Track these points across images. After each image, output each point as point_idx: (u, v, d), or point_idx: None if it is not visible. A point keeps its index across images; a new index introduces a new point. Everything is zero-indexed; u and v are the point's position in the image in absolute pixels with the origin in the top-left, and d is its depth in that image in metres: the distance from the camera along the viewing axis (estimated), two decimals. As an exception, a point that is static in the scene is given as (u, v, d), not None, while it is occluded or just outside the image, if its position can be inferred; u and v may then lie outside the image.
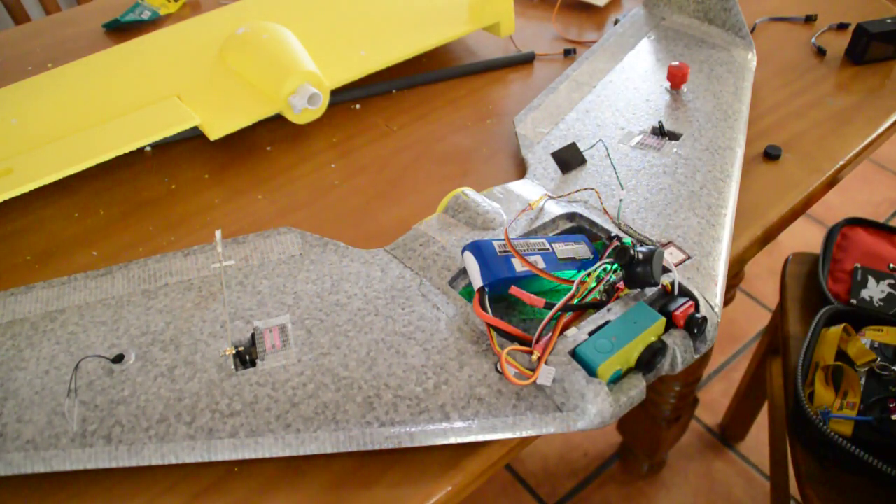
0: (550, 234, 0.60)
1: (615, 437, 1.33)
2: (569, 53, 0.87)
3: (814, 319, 0.80)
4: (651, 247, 0.52)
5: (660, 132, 0.70)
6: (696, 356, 0.52)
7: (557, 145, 0.70)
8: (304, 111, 0.74)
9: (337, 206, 0.68)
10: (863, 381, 0.73)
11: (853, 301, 0.84)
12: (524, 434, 0.47)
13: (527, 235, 0.59)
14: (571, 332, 0.50)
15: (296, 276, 0.58)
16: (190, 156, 0.74)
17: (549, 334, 0.49)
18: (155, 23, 0.94)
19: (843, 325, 0.78)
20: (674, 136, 0.70)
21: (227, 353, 0.51)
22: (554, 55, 0.87)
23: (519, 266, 0.53)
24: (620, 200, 0.62)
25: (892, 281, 0.85)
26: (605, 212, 0.61)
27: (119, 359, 0.52)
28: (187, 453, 0.47)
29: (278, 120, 0.77)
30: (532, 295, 0.49)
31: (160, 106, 0.74)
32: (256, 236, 0.62)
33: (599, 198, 0.63)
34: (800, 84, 0.82)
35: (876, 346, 0.76)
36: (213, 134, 0.72)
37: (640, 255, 0.51)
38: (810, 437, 0.72)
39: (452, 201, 0.62)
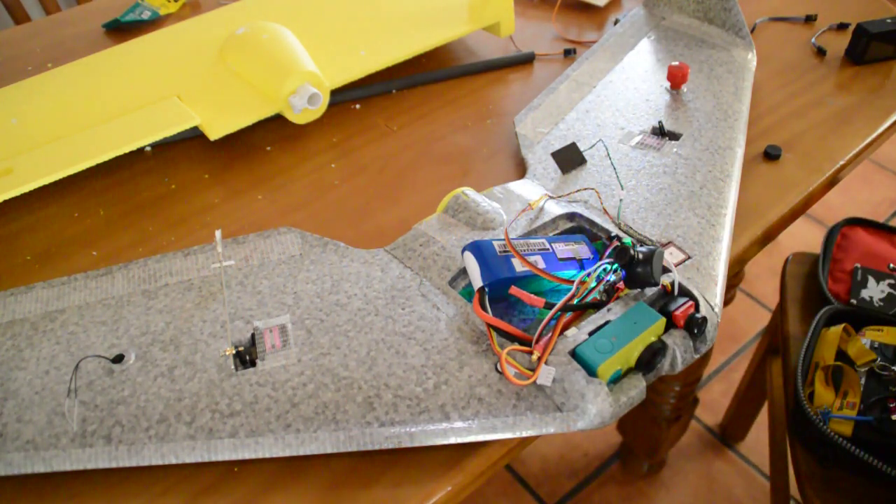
0: (550, 234, 0.60)
1: (615, 437, 1.33)
2: (569, 53, 0.87)
3: (814, 319, 0.80)
4: (651, 247, 0.52)
5: (660, 132, 0.70)
6: (696, 356, 0.52)
7: (557, 145, 0.70)
8: (304, 111, 0.74)
9: (337, 206, 0.68)
10: (863, 381, 0.73)
11: (853, 301, 0.84)
12: (524, 434, 0.47)
13: (527, 235, 0.59)
14: (571, 332, 0.50)
15: (296, 276, 0.58)
16: (190, 156, 0.74)
17: (549, 334, 0.49)
18: (155, 23, 0.94)
19: (843, 325, 0.78)
20: (674, 136, 0.70)
21: (227, 353, 0.51)
22: (554, 55, 0.87)
23: (519, 266, 0.53)
24: (620, 200, 0.62)
25: (892, 281, 0.85)
26: (605, 212, 0.61)
27: (119, 359, 0.52)
28: (187, 453, 0.47)
29: (278, 120, 0.77)
30: (532, 295, 0.49)
31: (160, 106, 0.74)
32: (256, 236, 0.62)
33: (599, 198, 0.62)
34: (800, 84, 0.82)
35: (876, 346, 0.76)
36: (213, 134, 0.72)
37: (640, 255, 0.51)
38: (810, 437, 0.72)
39: (452, 201, 0.62)
